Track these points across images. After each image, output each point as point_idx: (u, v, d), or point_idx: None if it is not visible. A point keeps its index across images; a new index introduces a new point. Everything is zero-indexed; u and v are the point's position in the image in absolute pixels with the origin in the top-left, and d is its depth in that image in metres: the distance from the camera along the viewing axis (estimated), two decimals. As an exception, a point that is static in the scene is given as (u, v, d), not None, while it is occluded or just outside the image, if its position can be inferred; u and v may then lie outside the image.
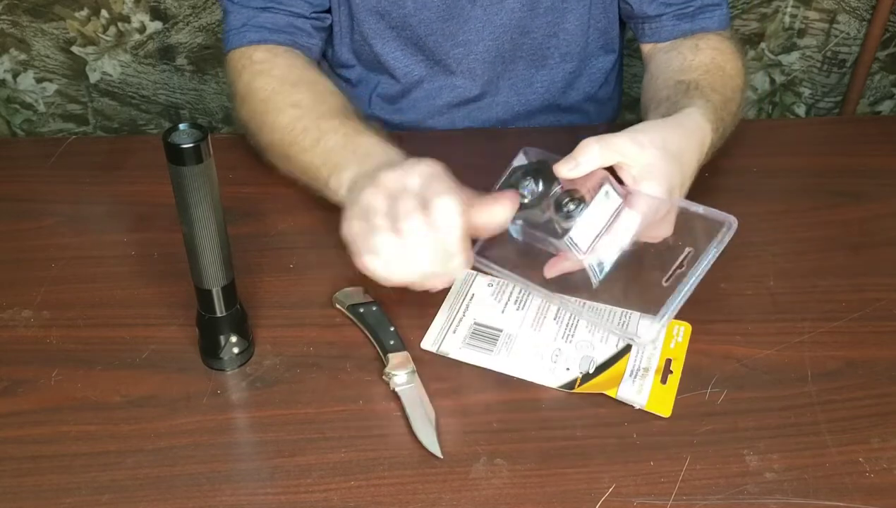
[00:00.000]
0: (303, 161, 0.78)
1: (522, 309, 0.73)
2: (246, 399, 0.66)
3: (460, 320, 0.71)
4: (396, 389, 0.65)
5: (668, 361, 0.68)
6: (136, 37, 1.44)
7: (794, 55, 1.52)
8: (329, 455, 0.61)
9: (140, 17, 1.42)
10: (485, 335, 0.70)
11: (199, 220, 0.59)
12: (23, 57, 1.46)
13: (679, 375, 0.67)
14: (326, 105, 0.81)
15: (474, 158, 0.93)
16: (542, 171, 0.67)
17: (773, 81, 1.56)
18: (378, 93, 1.01)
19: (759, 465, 0.61)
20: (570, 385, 0.66)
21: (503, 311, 0.72)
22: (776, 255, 0.80)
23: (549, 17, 0.94)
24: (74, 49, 1.45)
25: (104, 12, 1.41)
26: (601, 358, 0.68)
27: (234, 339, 0.67)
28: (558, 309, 0.72)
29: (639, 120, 0.91)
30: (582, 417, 0.64)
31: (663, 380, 0.67)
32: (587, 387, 0.66)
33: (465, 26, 0.93)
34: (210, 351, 0.67)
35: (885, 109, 1.62)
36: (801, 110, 1.60)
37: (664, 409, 0.65)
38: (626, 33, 1.04)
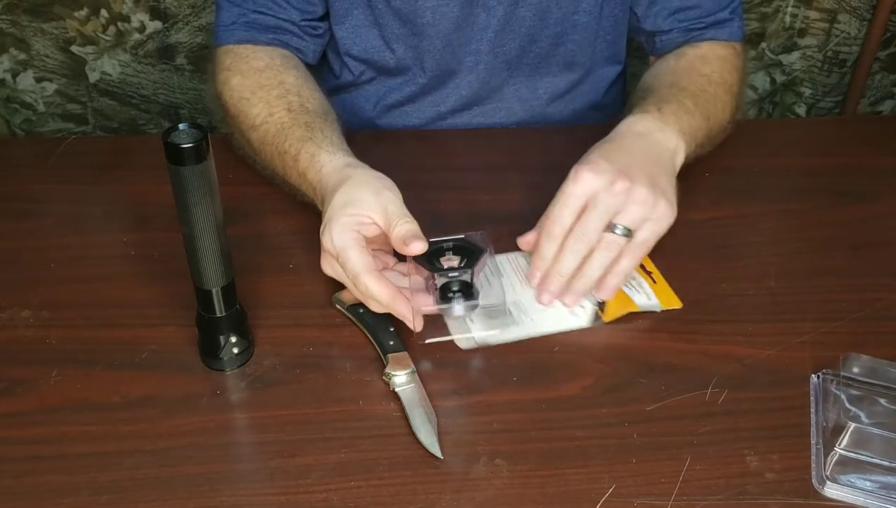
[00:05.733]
0: (288, 184, 0.82)
1: (504, 275, 0.75)
2: (246, 399, 0.66)
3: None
4: (396, 389, 0.65)
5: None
6: (136, 36, 1.44)
7: (795, 55, 1.52)
8: (329, 456, 0.61)
9: (140, 17, 1.42)
10: (497, 312, 0.71)
11: (199, 220, 0.59)
12: (22, 56, 1.46)
13: (657, 270, 0.76)
14: (274, 118, 0.81)
15: (481, 158, 0.93)
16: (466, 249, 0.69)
17: (773, 81, 1.56)
18: (386, 97, 1.00)
19: (759, 465, 0.61)
20: (597, 318, 0.72)
21: (492, 286, 0.72)
22: (777, 255, 0.80)
23: (558, 28, 0.94)
24: (74, 49, 1.45)
25: (104, 12, 1.41)
26: None
27: (233, 339, 0.66)
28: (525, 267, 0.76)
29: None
30: (582, 417, 0.64)
31: (654, 281, 0.75)
32: (611, 314, 0.72)
33: (477, 35, 0.93)
34: (210, 352, 0.67)
35: (886, 109, 1.61)
36: (801, 110, 1.60)
37: (674, 302, 0.73)
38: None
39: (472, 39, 0.93)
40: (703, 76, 0.87)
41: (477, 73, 0.96)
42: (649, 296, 0.73)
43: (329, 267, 0.70)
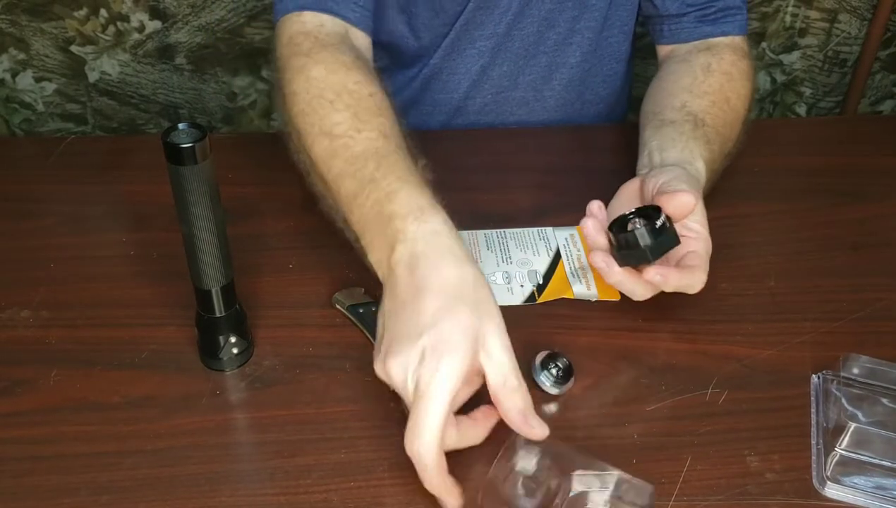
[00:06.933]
0: (342, 216, 0.70)
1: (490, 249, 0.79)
2: (245, 399, 0.66)
3: None
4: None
5: None
6: (135, 36, 1.44)
7: (795, 54, 1.52)
8: (329, 456, 0.61)
9: (139, 17, 1.42)
10: None
11: (199, 220, 0.59)
12: (22, 56, 1.46)
13: None
14: (362, 135, 0.70)
15: (490, 158, 0.93)
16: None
17: (773, 81, 1.56)
18: (402, 91, 1.00)
19: (759, 466, 0.60)
20: (532, 298, 0.74)
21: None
22: (777, 255, 0.80)
23: (575, 12, 0.94)
24: (73, 48, 1.45)
25: (103, 11, 1.41)
26: (542, 268, 0.77)
27: (233, 340, 0.66)
28: (486, 241, 0.80)
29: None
30: (582, 417, 0.64)
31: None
32: (546, 296, 0.75)
33: (493, 15, 0.93)
34: (209, 352, 0.67)
35: (886, 109, 1.61)
36: (801, 110, 1.60)
37: (613, 295, 0.74)
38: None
39: (490, 21, 0.93)
40: (731, 110, 0.85)
41: (491, 57, 0.96)
42: (589, 286, 0.75)
43: (387, 374, 0.58)
